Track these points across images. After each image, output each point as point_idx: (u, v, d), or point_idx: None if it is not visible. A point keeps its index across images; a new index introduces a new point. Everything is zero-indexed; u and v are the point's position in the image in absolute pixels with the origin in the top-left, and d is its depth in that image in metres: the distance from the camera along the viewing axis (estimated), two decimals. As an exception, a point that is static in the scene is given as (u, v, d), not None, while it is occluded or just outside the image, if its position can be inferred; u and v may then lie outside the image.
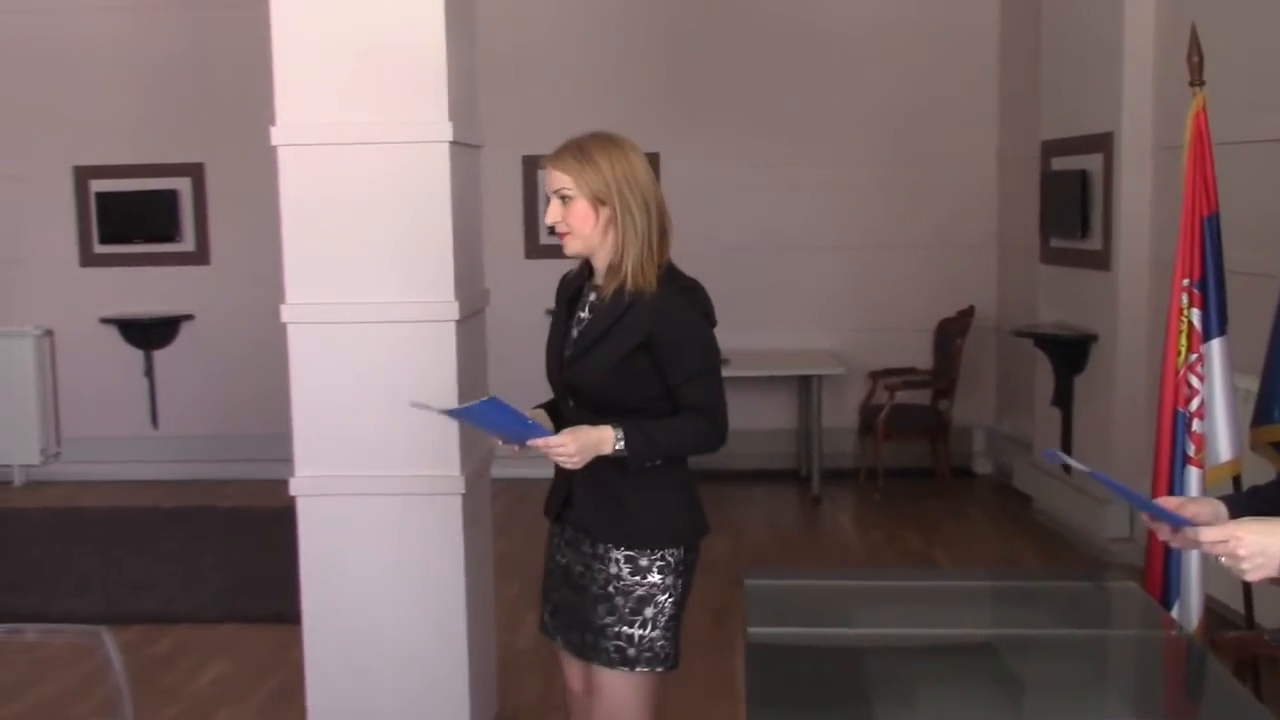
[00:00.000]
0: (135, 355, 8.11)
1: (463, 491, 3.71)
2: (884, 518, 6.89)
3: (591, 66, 7.75)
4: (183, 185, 8.04)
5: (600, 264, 2.81)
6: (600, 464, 2.72)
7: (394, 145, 3.64)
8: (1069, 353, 6.33)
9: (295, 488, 3.75)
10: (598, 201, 2.73)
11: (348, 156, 3.65)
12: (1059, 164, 6.51)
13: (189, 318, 8.10)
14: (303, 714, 3.89)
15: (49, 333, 8.08)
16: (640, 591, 2.79)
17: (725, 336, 7.78)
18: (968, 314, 7.45)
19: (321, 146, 3.65)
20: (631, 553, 2.80)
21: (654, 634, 2.80)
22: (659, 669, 2.83)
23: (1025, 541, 6.38)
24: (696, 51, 7.79)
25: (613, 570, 2.81)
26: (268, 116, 3.74)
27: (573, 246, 2.79)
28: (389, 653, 3.77)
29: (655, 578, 2.79)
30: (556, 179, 2.75)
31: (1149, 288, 5.84)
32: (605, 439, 2.70)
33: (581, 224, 2.74)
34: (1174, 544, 2.26)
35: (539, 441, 2.70)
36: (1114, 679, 2.68)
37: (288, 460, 3.84)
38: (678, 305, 2.74)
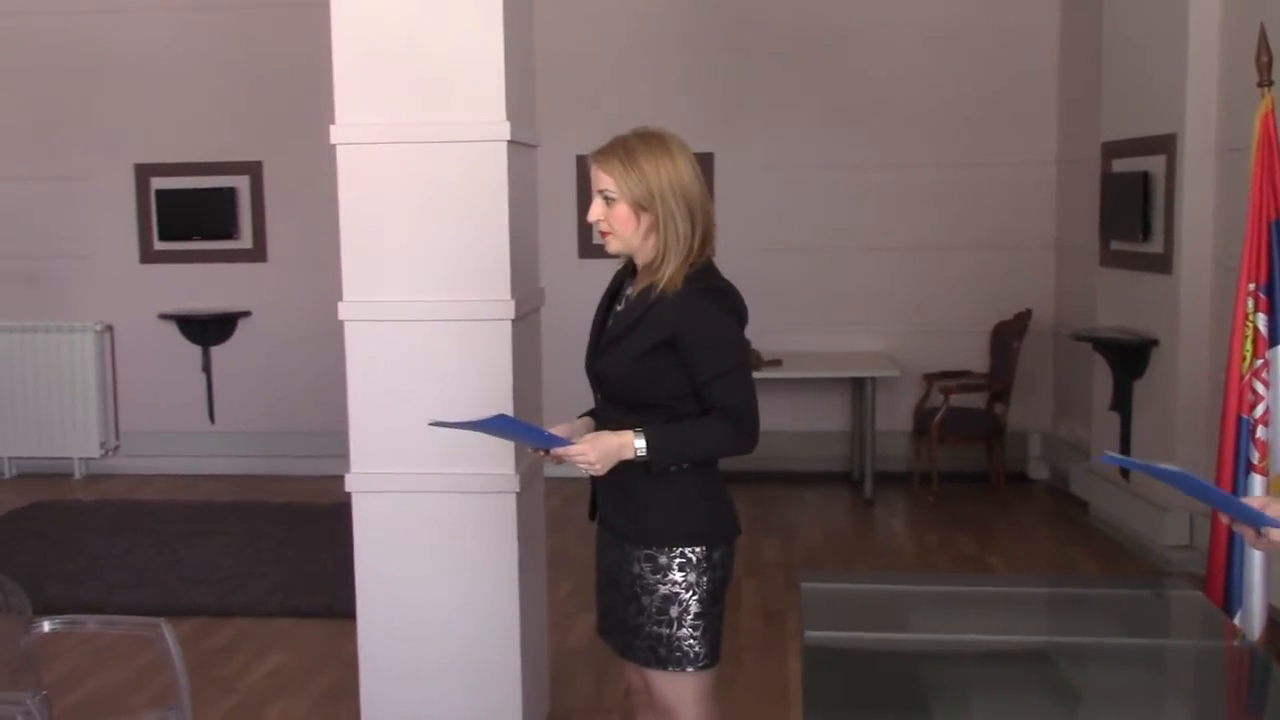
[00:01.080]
0: (193, 351, 8.22)
1: (517, 490, 3.71)
2: (937, 522, 6.83)
3: (646, 66, 7.75)
4: (241, 183, 8.13)
5: (639, 262, 2.82)
6: (621, 464, 2.72)
7: (452, 144, 3.65)
8: (1129, 357, 6.24)
9: (351, 484, 3.78)
10: (639, 207, 2.72)
11: (406, 155, 3.67)
12: (1120, 165, 6.42)
13: (246, 314, 8.19)
14: (356, 708, 3.92)
15: (109, 328, 8.21)
16: (663, 590, 2.78)
17: (779, 337, 7.79)
18: (1025, 317, 7.36)
19: (380, 145, 3.67)
20: (650, 551, 2.79)
21: (681, 633, 2.79)
22: (689, 669, 2.81)
23: (1082, 548, 6.30)
24: (751, 51, 7.76)
25: (635, 570, 2.81)
26: (325, 115, 3.77)
27: (613, 245, 2.80)
28: (442, 649, 3.79)
29: (676, 576, 2.78)
30: (601, 179, 2.75)
31: (1211, 292, 5.74)
32: (625, 445, 2.70)
33: (622, 227, 2.75)
34: (1258, 547, 2.20)
35: (559, 451, 2.72)
36: (1174, 689, 2.64)
37: (342, 456, 3.87)
38: (703, 303, 2.72)
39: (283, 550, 6.33)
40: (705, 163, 7.48)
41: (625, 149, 2.73)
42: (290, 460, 8.02)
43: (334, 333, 3.86)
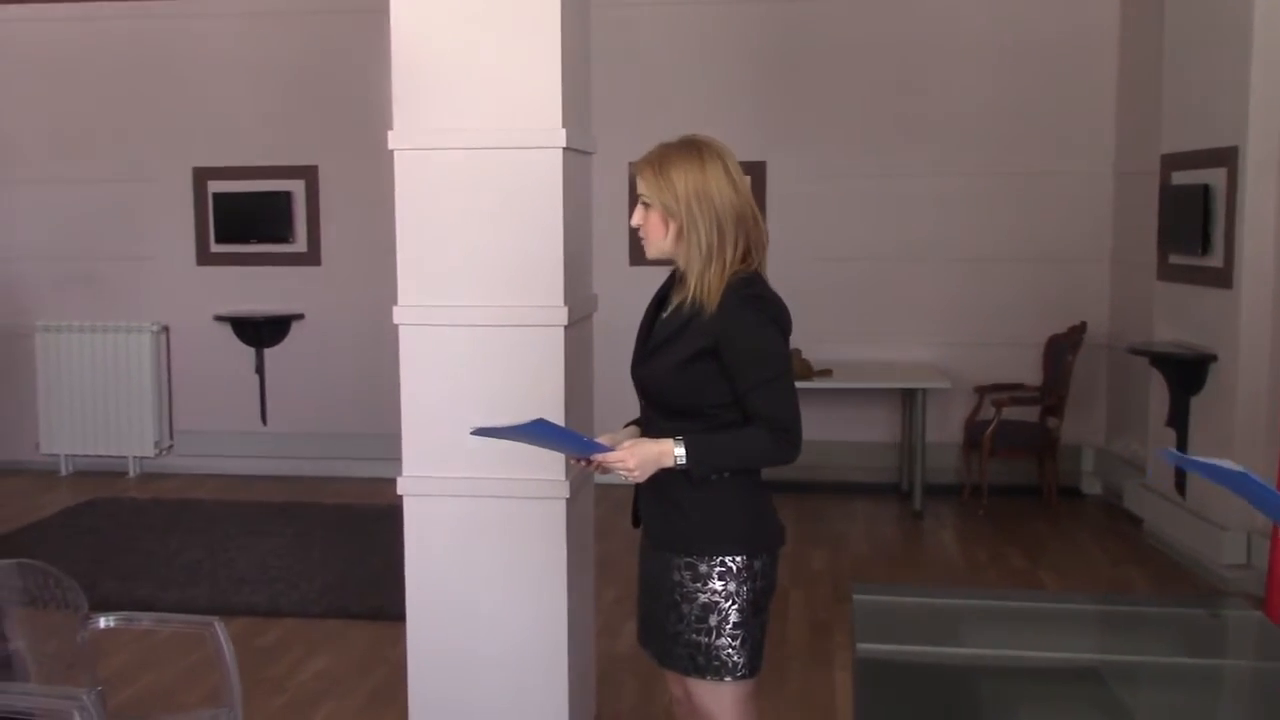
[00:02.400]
0: (247, 353, 8.31)
1: (567, 496, 3.72)
2: (988, 535, 6.76)
3: (700, 74, 7.75)
4: (296, 187, 8.21)
5: (679, 269, 2.85)
6: (662, 471, 2.74)
7: (508, 151, 3.66)
8: (1186, 372, 6.15)
9: (402, 487, 3.80)
10: (668, 214, 2.77)
11: (463, 161, 3.69)
12: (1180, 178, 6.33)
13: (299, 317, 8.27)
14: (403, 710, 3.94)
15: (166, 329, 8.33)
16: (703, 599, 2.78)
17: (829, 347, 7.75)
18: (1079, 330, 7.28)
19: (437, 151, 3.70)
20: (690, 559, 2.79)
21: (720, 642, 2.78)
22: (727, 678, 2.80)
23: (1135, 566, 6.21)
24: (805, 60, 7.74)
25: (675, 578, 2.81)
26: (379, 121, 3.80)
27: (650, 251, 2.85)
28: (490, 653, 3.80)
29: (716, 585, 2.78)
30: (639, 184, 2.82)
31: (1273, 307, 5.65)
32: (665, 453, 2.71)
33: (654, 232, 2.80)
34: None
35: (599, 457, 2.73)
36: (1231, 711, 2.60)
37: (392, 459, 3.90)
38: (744, 312, 2.73)
39: (332, 552, 6.38)
40: (758, 171, 7.51)
41: (659, 156, 2.80)
42: (341, 462, 8.09)
43: (387, 336, 3.89)
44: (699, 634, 2.79)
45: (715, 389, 2.75)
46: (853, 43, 7.70)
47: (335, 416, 8.12)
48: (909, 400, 7.46)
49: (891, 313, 7.78)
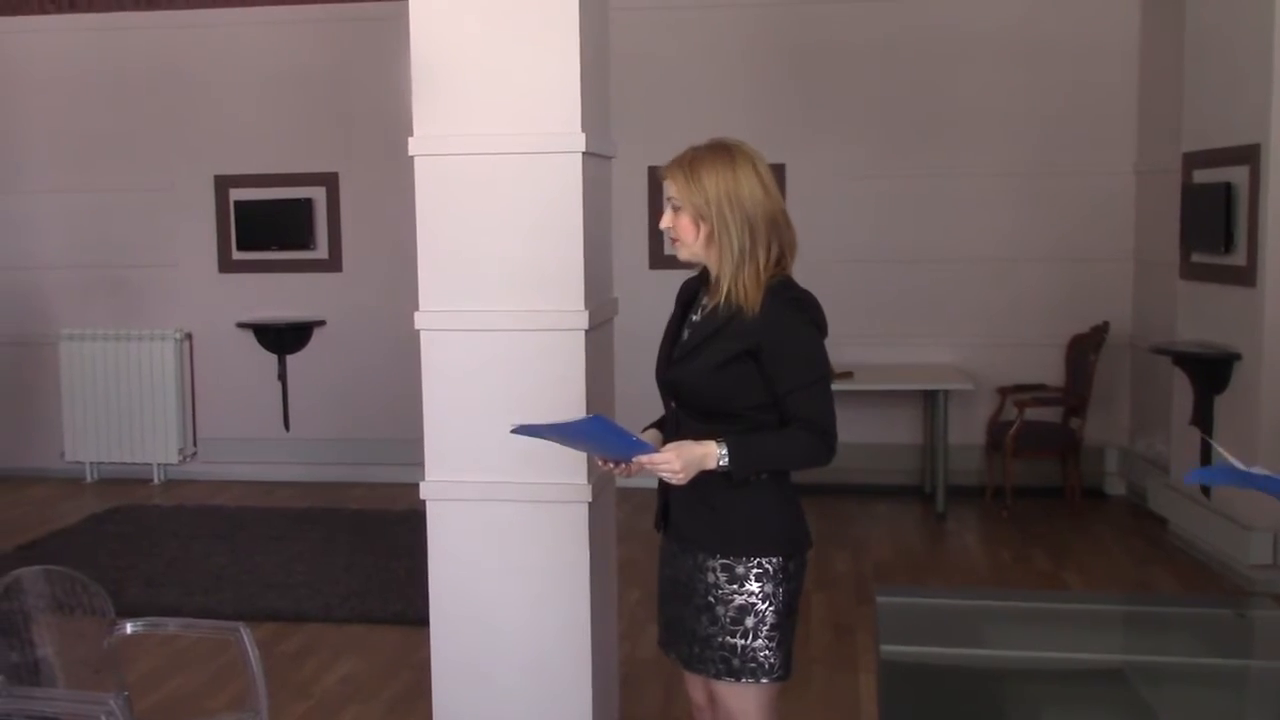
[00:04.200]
0: (269, 359, 8.34)
1: (589, 499, 3.72)
2: (1011, 537, 6.73)
3: (719, 77, 7.75)
4: (317, 194, 8.24)
5: (711, 272, 2.85)
6: (700, 473, 2.73)
7: (528, 156, 3.67)
8: (1210, 372, 6.12)
9: (425, 492, 3.81)
10: (699, 217, 2.78)
11: (483, 167, 3.70)
12: (1201, 176, 6.30)
13: (321, 323, 8.30)
14: (428, 714, 3.94)
15: (188, 336, 8.37)
16: (739, 600, 2.78)
17: (851, 349, 7.73)
18: (1102, 330, 7.25)
19: (457, 157, 3.71)
20: (727, 561, 2.79)
21: (756, 644, 2.78)
22: (764, 680, 2.80)
23: (1161, 566, 6.17)
24: (824, 62, 7.73)
25: (710, 580, 2.81)
26: (398, 127, 3.81)
27: (681, 253, 2.86)
28: (514, 658, 3.80)
29: (753, 586, 2.78)
30: (668, 187, 2.83)
31: (1297, 305, 5.62)
32: (709, 454, 2.71)
33: (685, 235, 2.81)
34: None
35: (644, 458, 2.72)
36: (1257, 712, 2.58)
37: (415, 464, 3.91)
38: (787, 315, 2.74)
39: (356, 556, 6.40)
40: (777, 174, 7.45)
41: (690, 159, 2.80)
42: (364, 468, 8.12)
43: (408, 342, 3.91)
44: (734, 636, 2.79)
45: (751, 391, 2.75)
46: (872, 43, 7.69)
47: (358, 422, 8.15)
48: (931, 402, 7.44)
49: (912, 314, 7.76)
